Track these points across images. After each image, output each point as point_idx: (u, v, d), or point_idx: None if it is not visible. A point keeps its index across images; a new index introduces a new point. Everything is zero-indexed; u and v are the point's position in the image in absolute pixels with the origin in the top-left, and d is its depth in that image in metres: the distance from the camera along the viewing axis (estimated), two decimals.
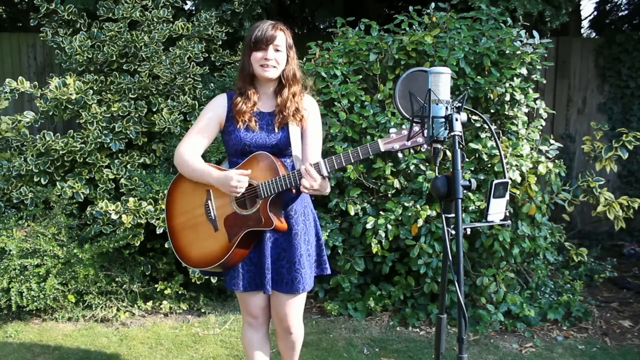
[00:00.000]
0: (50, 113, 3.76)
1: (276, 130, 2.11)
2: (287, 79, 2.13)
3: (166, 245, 3.49)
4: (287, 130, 2.12)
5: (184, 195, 2.18)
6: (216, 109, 2.16)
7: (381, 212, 3.37)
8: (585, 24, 7.51)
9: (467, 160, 3.36)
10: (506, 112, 3.43)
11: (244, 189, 2.02)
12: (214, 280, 3.48)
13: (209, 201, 2.11)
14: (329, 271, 2.27)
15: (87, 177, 3.67)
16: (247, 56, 2.11)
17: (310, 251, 2.20)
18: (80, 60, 3.86)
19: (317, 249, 2.24)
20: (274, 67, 2.08)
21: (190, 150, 2.13)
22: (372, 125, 3.39)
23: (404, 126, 1.93)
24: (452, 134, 1.61)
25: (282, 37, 2.08)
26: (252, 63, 2.09)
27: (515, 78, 3.43)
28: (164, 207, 2.24)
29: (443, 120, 1.63)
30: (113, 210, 3.34)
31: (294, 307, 2.20)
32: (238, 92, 2.14)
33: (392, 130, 1.97)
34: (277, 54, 2.07)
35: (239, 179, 1.99)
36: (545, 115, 3.58)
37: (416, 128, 1.81)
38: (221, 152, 3.52)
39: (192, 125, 2.17)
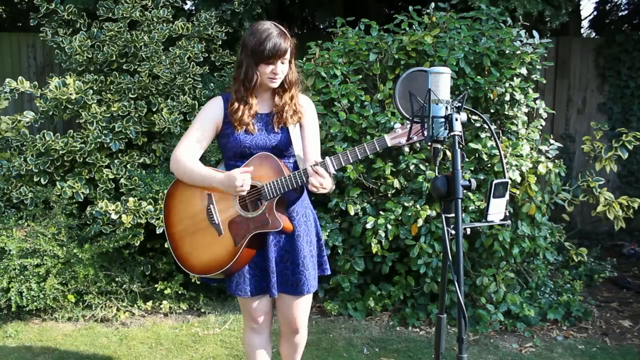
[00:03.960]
0: (50, 113, 3.76)
1: (276, 130, 2.09)
2: (290, 84, 2.10)
3: (166, 245, 3.49)
4: (287, 131, 2.10)
5: (182, 202, 2.13)
6: (212, 113, 2.11)
7: (381, 212, 3.37)
8: (585, 24, 7.50)
9: (467, 160, 3.36)
10: (506, 112, 3.43)
11: (249, 188, 1.98)
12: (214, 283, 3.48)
13: (211, 205, 2.07)
14: (328, 272, 2.27)
15: (87, 177, 3.67)
16: (253, 66, 2.02)
17: (312, 252, 2.19)
18: (80, 60, 3.86)
19: (318, 249, 2.23)
20: (281, 78, 2.06)
21: (188, 155, 2.08)
22: (372, 125, 3.39)
23: (407, 122, 1.93)
24: (452, 134, 1.61)
25: (289, 48, 2.03)
26: (260, 74, 2.03)
27: (515, 78, 3.43)
28: (162, 215, 2.19)
29: (443, 120, 1.63)
30: (113, 210, 3.34)
31: (301, 308, 2.21)
32: (236, 98, 2.07)
33: (397, 125, 1.96)
34: (284, 65, 2.05)
35: (243, 177, 1.95)
36: (545, 115, 3.58)
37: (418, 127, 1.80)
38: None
39: (187, 130, 2.12)
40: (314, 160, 2.06)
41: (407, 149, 3.35)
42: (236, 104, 2.07)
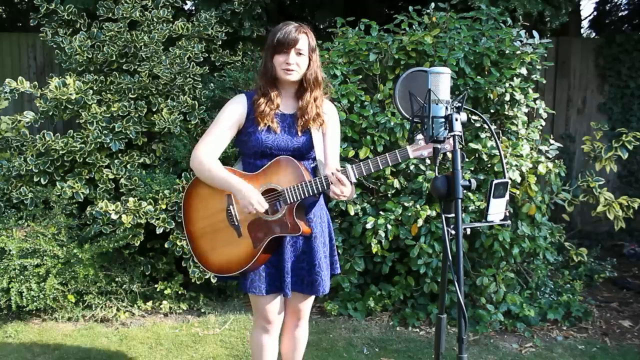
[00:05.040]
0: (50, 113, 3.75)
1: (299, 133, 2.10)
2: (309, 83, 2.09)
3: (166, 245, 3.49)
4: (310, 134, 2.10)
5: (202, 200, 2.15)
6: (236, 110, 2.11)
7: (381, 212, 3.37)
8: (585, 24, 7.52)
9: (467, 160, 3.36)
10: (506, 112, 3.43)
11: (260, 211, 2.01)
12: (214, 280, 3.48)
13: (231, 206, 2.08)
14: (339, 270, 2.31)
15: (87, 177, 3.67)
16: (269, 58, 2.07)
17: (326, 253, 2.22)
18: (80, 60, 3.86)
19: (330, 249, 2.27)
20: (296, 71, 2.05)
21: (209, 154, 2.08)
22: (372, 125, 3.39)
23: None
24: (452, 134, 1.61)
25: (305, 41, 2.04)
26: (275, 66, 2.06)
27: (515, 78, 3.43)
28: (181, 211, 2.22)
29: (443, 120, 1.63)
30: (113, 210, 3.34)
31: (308, 304, 2.31)
32: (260, 92, 2.10)
33: (419, 137, 1.93)
34: (299, 58, 2.04)
35: (260, 201, 1.99)
36: (545, 115, 3.58)
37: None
38: (222, 154, 3.51)
39: (209, 127, 2.13)
40: (334, 167, 2.06)
41: None
42: (260, 99, 2.08)
